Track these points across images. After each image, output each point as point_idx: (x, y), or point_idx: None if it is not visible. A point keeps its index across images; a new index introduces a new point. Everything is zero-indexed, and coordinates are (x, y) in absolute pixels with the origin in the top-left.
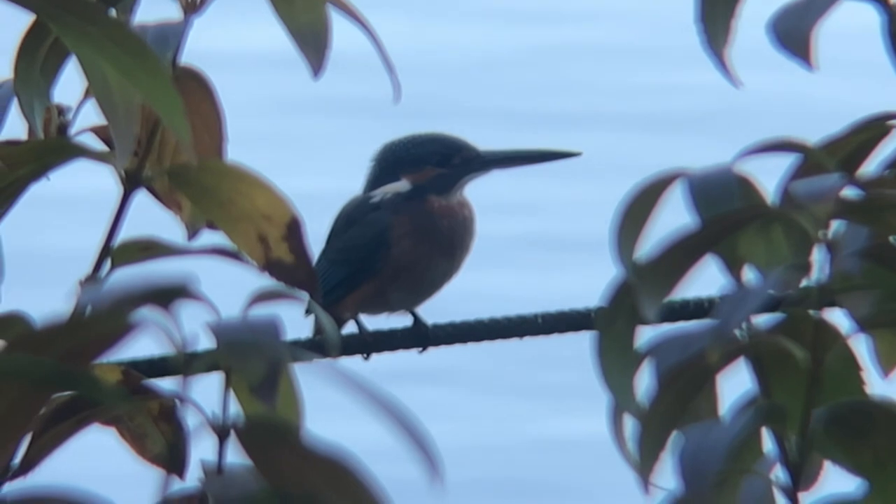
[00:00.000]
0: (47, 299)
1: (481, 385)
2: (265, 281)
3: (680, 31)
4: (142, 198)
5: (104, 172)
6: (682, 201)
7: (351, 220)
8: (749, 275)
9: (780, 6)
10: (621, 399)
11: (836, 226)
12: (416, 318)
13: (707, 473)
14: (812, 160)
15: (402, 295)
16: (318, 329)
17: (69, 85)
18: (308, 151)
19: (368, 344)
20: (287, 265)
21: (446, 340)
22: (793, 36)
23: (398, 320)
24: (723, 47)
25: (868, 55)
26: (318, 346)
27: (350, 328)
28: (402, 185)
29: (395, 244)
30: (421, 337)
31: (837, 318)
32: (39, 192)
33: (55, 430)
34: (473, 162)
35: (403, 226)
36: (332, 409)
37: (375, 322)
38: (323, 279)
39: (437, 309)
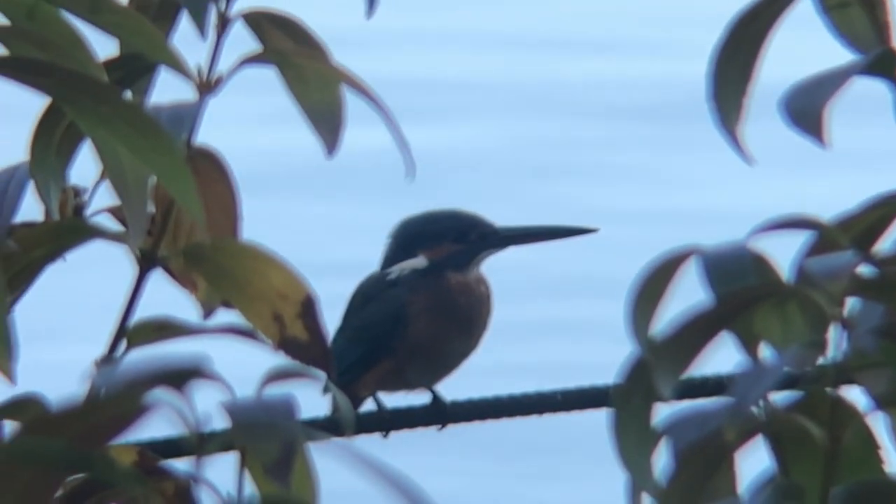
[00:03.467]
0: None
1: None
2: (281, 360)
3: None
4: (157, 277)
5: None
6: (696, 278)
7: (368, 297)
8: (765, 352)
9: (792, 84)
10: (639, 477)
11: (851, 303)
12: (435, 396)
13: None
14: (826, 237)
15: (420, 373)
16: (335, 408)
17: (85, 166)
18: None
19: (387, 421)
20: (302, 343)
21: (465, 417)
22: (805, 114)
23: (417, 398)
24: (735, 125)
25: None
26: (335, 426)
27: (368, 406)
28: (419, 262)
29: (412, 322)
30: (440, 414)
31: (855, 395)
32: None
33: None
34: (490, 238)
35: (421, 303)
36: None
37: (394, 400)
38: (339, 357)
39: (457, 384)
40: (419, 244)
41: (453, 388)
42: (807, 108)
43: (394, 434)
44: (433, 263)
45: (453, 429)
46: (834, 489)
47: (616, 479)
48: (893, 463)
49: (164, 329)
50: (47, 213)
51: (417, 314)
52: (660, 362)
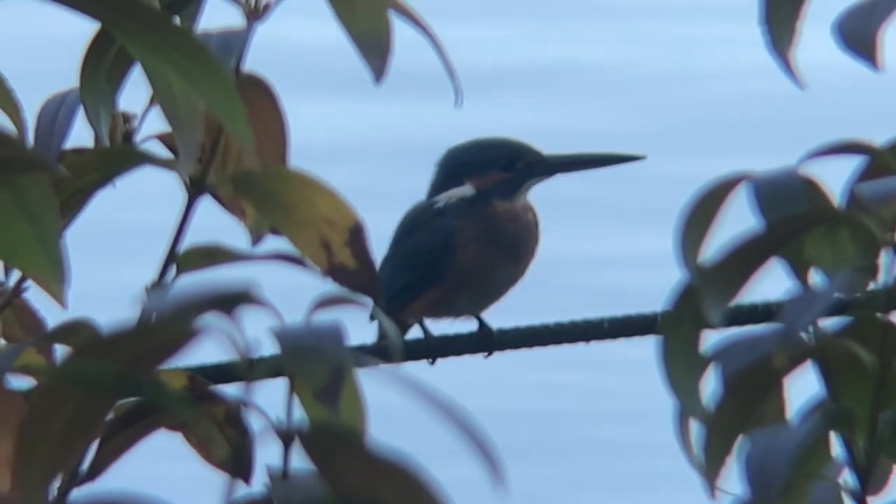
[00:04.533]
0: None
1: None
2: (329, 286)
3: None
4: (206, 204)
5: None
6: (746, 204)
7: (415, 225)
8: (815, 278)
9: (846, 7)
10: (687, 403)
11: None
12: (482, 323)
13: (774, 478)
14: (879, 162)
15: (467, 300)
16: (382, 334)
17: (135, 93)
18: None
19: (434, 349)
20: (350, 270)
21: (512, 345)
22: (858, 37)
23: (464, 325)
24: (787, 49)
25: None
26: (382, 352)
27: (415, 333)
28: (466, 190)
29: (460, 249)
30: (487, 341)
31: None
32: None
33: (121, 435)
34: (537, 166)
35: (468, 231)
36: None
37: (440, 327)
38: (388, 285)
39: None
40: (466, 172)
41: (500, 315)
42: (860, 31)
43: (441, 361)
44: (480, 191)
45: (500, 356)
46: (884, 414)
47: (666, 407)
48: None
49: (213, 255)
50: (97, 138)
51: (465, 242)
52: (709, 289)
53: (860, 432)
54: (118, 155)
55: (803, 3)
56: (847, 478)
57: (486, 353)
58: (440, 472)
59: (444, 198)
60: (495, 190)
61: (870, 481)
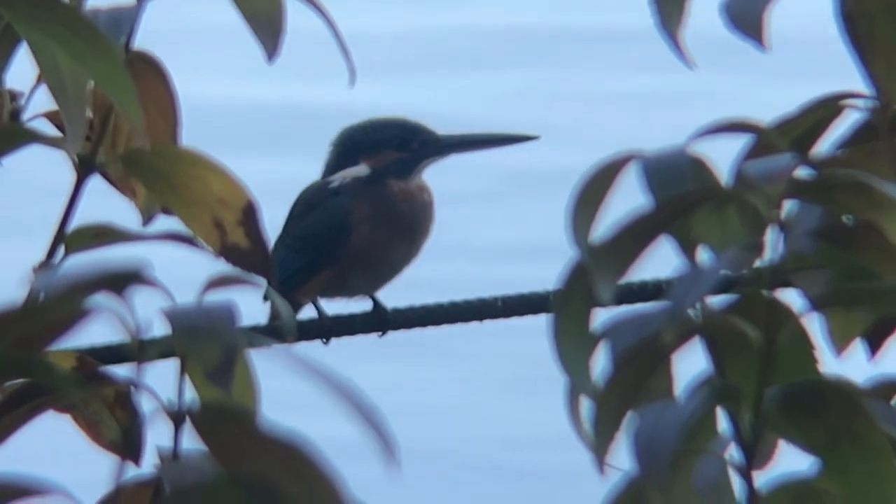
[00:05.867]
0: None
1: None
2: (221, 266)
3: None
4: (96, 183)
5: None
6: (636, 183)
7: (310, 205)
8: (703, 256)
9: None
10: (577, 380)
11: (789, 206)
12: (376, 303)
13: (662, 453)
14: (765, 141)
15: (361, 280)
16: (275, 314)
17: (21, 70)
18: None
19: (328, 328)
20: (243, 250)
21: (406, 324)
22: (746, 17)
23: (357, 305)
24: (676, 28)
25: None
26: (275, 332)
27: (309, 313)
28: (361, 170)
29: (354, 229)
30: (381, 321)
31: (791, 297)
32: None
33: (9, 417)
34: (432, 146)
35: (363, 210)
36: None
37: (334, 307)
38: (281, 265)
39: (396, 292)
40: (361, 152)
41: (393, 295)
42: (747, 12)
43: (334, 341)
44: (375, 171)
45: (394, 335)
46: (769, 390)
47: (556, 383)
48: (828, 363)
49: (103, 235)
50: None
51: (360, 221)
52: (599, 267)
53: (746, 408)
54: (5, 133)
55: None
56: (733, 453)
57: (380, 333)
58: (333, 454)
59: (338, 177)
60: (390, 170)
61: (755, 456)
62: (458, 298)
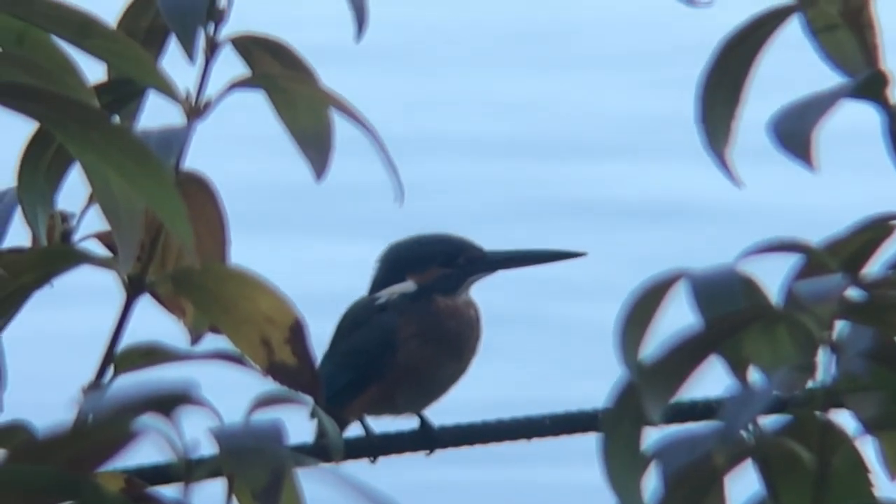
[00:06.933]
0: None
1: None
2: (269, 385)
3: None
4: (145, 303)
5: (108, 279)
6: (685, 302)
7: (356, 322)
8: (754, 376)
9: (781, 107)
10: (628, 501)
11: (840, 327)
12: (423, 421)
13: None
14: (815, 260)
15: (408, 398)
16: (322, 433)
17: (73, 192)
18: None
19: (375, 447)
20: (290, 368)
21: (453, 443)
22: (794, 137)
23: (405, 423)
24: (724, 148)
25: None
26: (322, 451)
27: (355, 431)
28: (407, 286)
29: (401, 346)
30: (428, 439)
31: (844, 419)
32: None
33: None
34: (479, 262)
35: (410, 328)
36: None
37: (381, 425)
38: (328, 382)
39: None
40: (408, 268)
41: (441, 412)
42: (795, 132)
43: (382, 459)
44: (422, 287)
45: (442, 454)
46: None
47: None
48: (882, 487)
49: (151, 355)
50: (35, 238)
51: (407, 339)
52: (649, 386)
53: None
54: (56, 254)
55: (738, 104)
56: None
57: (427, 451)
58: None
59: (385, 294)
60: (437, 286)
61: None
62: (506, 416)
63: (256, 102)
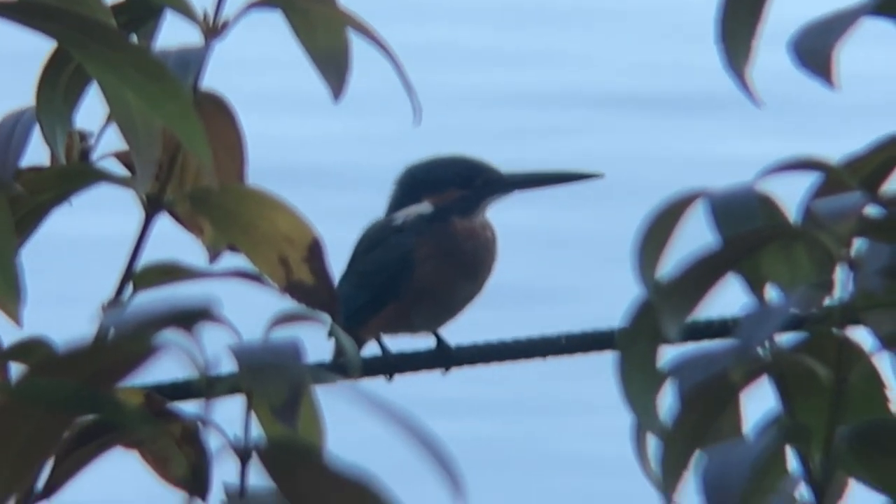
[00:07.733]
0: (72, 321)
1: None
2: (287, 303)
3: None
4: (163, 222)
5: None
6: (703, 221)
7: (373, 242)
8: (771, 294)
9: (801, 25)
10: (644, 418)
11: (858, 244)
12: (440, 340)
13: (730, 492)
14: (834, 178)
15: (425, 317)
16: (339, 351)
17: (91, 111)
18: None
19: (391, 365)
20: (308, 287)
21: (469, 361)
22: (814, 54)
23: (421, 341)
24: (744, 66)
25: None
26: (339, 369)
27: (372, 349)
28: (424, 208)
29: (418, 266)
30: (444, 358)
31: (861, 336)
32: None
33: (78, 453)
34: (496, 184)
35: (427, 248)
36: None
37: (398, 343)
38: (346, 302)
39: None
40: (424, 190)
41: (457, 331)
42: (816, 49)
43: (398, 377)
44: (438, 209)
45: (458, 372)
46: (840, 429)
47: (622, 420)
48: None
49: (170, 272)
50: (53, 157)
51: (423, 259)
52: (666, 304)
53: (816, 447)
54: (74, 173)
55: (759, 22)
56: (803, 492)
57: (444, 370)
58: (398, 488)
59: (402, 215)
60: (454, 207)
61: (826, 496)
62: (522, 336)
63: (275, 23)
